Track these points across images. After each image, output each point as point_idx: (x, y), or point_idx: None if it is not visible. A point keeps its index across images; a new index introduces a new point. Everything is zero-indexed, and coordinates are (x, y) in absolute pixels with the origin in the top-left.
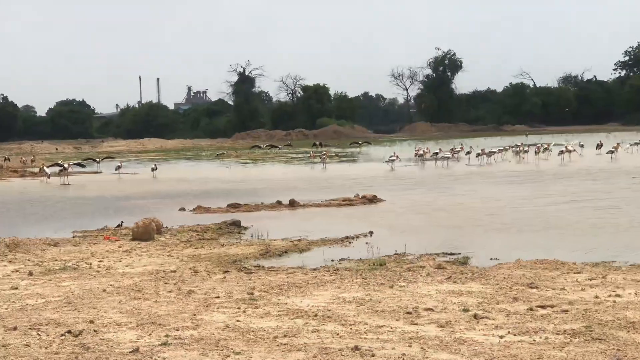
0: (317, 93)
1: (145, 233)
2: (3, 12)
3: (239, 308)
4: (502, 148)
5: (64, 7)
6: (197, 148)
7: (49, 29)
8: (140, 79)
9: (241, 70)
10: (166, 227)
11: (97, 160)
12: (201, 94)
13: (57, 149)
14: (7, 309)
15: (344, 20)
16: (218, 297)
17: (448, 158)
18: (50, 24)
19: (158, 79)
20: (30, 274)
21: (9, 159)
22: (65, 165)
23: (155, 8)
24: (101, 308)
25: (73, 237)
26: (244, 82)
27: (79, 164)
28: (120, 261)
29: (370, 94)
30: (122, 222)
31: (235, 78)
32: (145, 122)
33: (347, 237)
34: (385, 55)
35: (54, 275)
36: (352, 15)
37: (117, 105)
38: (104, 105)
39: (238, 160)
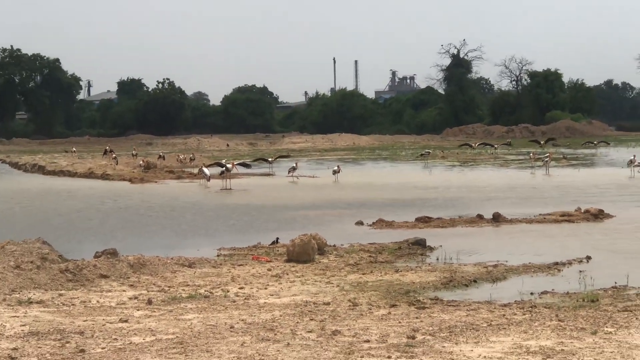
0: (547, 80)
1: (303, 253)
2: None
3: (389, 357)
4: None
5: None
6: (396, 146)
7: (225, 4)
8: (334, 62)
9: (455, 51)
10: (333, 246)
11: (269, 159)
12: (407, 81)
13: (228, 145)
14: (104, 348)
15: None
16: (368, 341)
17: None
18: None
19: (356, 61)
20: (150, 302)
21: (163, 157)
22: (228, 166)
23: None
24: (216, 352)
25: (217, 255)
26: (458, 67)
27: (243, 164)
28: (265, 288)
29: (614, 82)
30: (277, 238)
31: (447, 61)
32: (338, 114)
33: (556, 264)
34: (634, 33)
35: (177, 305)
36: None
37: (305, 94)
38: (290, 93)
39: (443, 161)
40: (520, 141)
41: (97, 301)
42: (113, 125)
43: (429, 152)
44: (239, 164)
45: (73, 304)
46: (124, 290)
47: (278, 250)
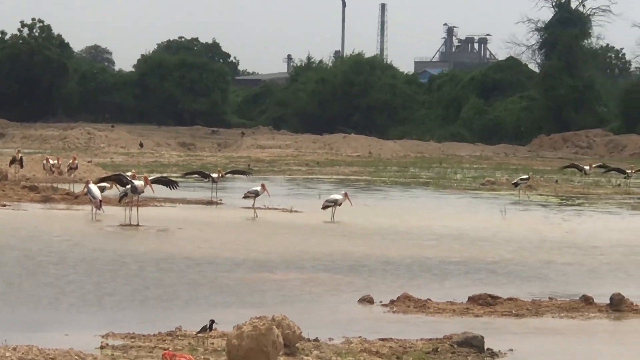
0: None
1: (257, 351)
2: None
3: None
4: None
5: None
6: (448, 162)
7: None
8: (343, 4)
9: None
10: (312, 340)
11: (214, 175)
12: (474, 46)
13: (142, 144)
14: None
15: None
16: None
17: None
18: None
19: (383, 6)
20: None
21: (20, 161)
22: (138, 183)
23: None
24: None
25: (101, 347)
26: (567, 25)
27: (162, 181)
28: None
29: None
30: (212, 321)
31: (547, 15)
32: (345, 98)
33: None
34: None
35: None
36: None
37: (287, 59)
38: (260, 57)
39: (530, 195)
40: None
41: None
42: None
43: (528, 177)
44: (156, 181)
45: None
46: None
47: (212, 344)
